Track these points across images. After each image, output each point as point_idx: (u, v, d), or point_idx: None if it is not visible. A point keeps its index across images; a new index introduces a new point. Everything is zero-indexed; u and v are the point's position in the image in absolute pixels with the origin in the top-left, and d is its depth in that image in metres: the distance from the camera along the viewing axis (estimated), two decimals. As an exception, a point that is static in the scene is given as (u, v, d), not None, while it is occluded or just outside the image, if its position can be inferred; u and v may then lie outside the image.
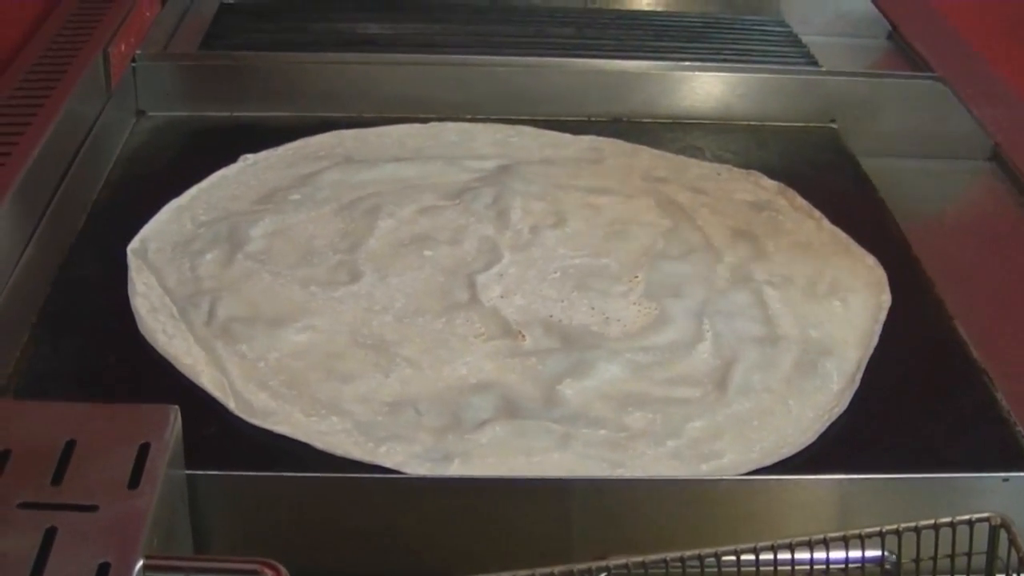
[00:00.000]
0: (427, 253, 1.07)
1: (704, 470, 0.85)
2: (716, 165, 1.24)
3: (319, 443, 0.86)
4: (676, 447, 0.87)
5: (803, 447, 0.88)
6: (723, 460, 0.86)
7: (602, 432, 0.88)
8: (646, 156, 1.25)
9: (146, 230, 1.08)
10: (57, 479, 0.67)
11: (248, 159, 1.20)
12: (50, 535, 0.64)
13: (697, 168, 1.23)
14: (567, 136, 1.28)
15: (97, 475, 0.67)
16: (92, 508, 0.66)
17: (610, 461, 0.86)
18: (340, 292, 1.02)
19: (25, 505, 0.66)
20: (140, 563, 0.63)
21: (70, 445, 0.69)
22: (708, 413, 0.90)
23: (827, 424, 0.90)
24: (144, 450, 0.69)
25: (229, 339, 0.95)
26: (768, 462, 0.86)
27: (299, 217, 1.12)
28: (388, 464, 0.84)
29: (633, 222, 1.13)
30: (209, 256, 1.05)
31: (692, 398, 0.92)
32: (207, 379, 0.91)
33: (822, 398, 0.92)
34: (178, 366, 0.93)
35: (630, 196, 1.17)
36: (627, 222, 1.13)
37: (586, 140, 1.28)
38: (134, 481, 0.67)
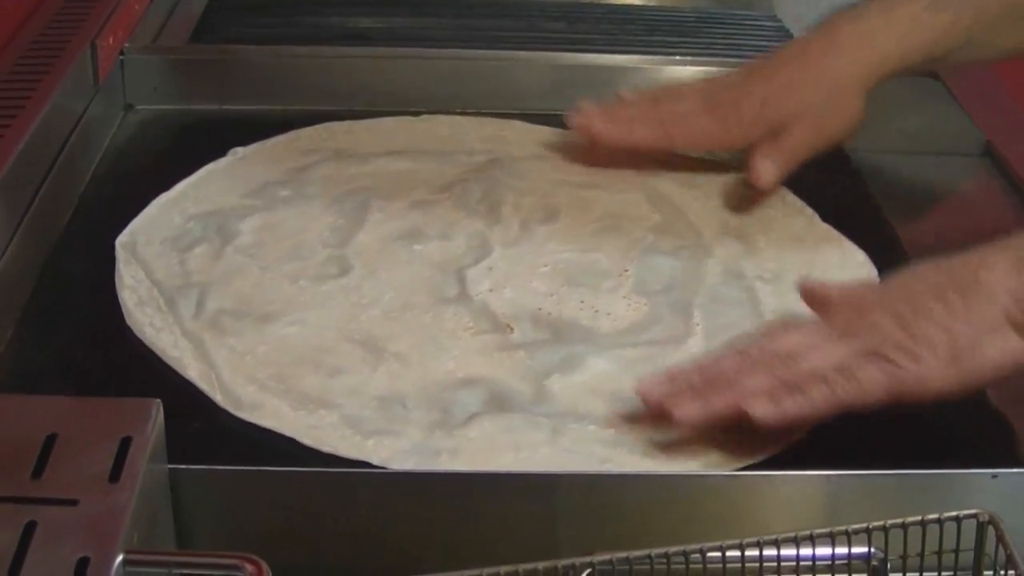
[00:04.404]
0: (417, 247, 1.06)
1: (692, 466, 0.85)
2: (705, 159, 1.23)
3: (306, 438, 0.85)
4: (664, 443, 0.86)
5: (791, 443, 0.87)
6: (711, 456, 0.86)
7: (591, 427, 0.88)
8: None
9: (135, 224, 1.08)
10: (37, 473, 0.67)
11: (238, 153, 1.20)
12: (30, 529, 0.63)
13: (688, 163, 1.23)
14: (558, 130, 1.27)
15: (78, 469, 0.67)
16: (72, 502, 0.65)
17: (598, 456, 0.85)
18: (329, 286, 1.01)
19: (4, 499, 0.65)
20: (120, 557, 0.63)
21: (51, 439, 0.69)
22: (697, 408, 0.90)
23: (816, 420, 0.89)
24: (125, 444, 0.69)
25: (217, 332, 0.95)
26: (756, 458, 0.86)
27: (289, 211, 1.11)
28: (375, 460, 0.84)
29: (623, 217, 1.13)
30: (198, 250, 1.05)
31: (681, 393, 0.91)
32: (194, 372, 0.91)
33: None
34: (165, 359, 0.92)
35: (621, 191, 1.17)
36: (617, 217, 1.12)
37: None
38: (115, 475, 0.67)
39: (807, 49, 1.15)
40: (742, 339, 0.91)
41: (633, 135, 1.18)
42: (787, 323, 0.90)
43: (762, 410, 0.83)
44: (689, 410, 0.84)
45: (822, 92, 1.13)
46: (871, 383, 0.83)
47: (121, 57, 1.28)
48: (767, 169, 1.13)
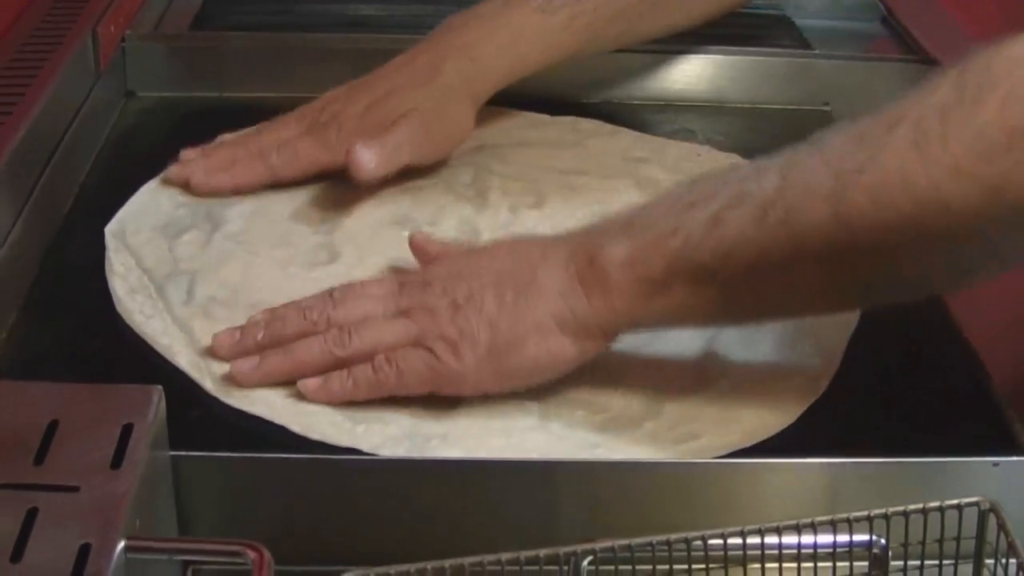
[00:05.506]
0: (405, 233, 1.06)
1: (681, 451, 0.85)
2: (695, 146, 1.23)
3: (296, 425, 0.85)
4: (654, 428, 0.87)
5: (782, 428, 0.87)
6: (701, 441, 0.86)
7: (579, 412, 0.88)
8: (626, 137, 1.25)
9: (124, 212, 1.08)
10: (39, 459, 0.67)
11: (226, 139, 1.19)
12: (31, 516, 0.63)
13: (676, 149, 1.23)
14: (546, 117, 1.27)
15: (79, 456, 0.67)
16: (74, 489, 0.65)
17: (588, 442, 0.85)
18: (318, 272, 1.01)
19: (6, 486, 0.65)
20: (122, 544, 0.63)
21: (53, 425, 0.69)
22: (687, 393, 0.90)
23: (807, 405, 0.89)
24: (127, 431, 0.69)
25: (207, 319, 0.95)
26: (746, 443, 0.86)
27: (278, 197, 1.11)
28: (365, 446, 0.84)
29: (612, 203, 1.11)
30: (187, 237, 1.05)
31: (671, 378, 0.91)
32: (184, 359, 0.91)
33: (803, 379, 0.92)
34: (155, 346, 0.92)
35: (609, 177, 1.17)
36: (606, 203, 1.11)
37: (566, 121, 1.27)
38: (116, 462, 0.67)
39: (414, 60, 1.14)
40: (319, 293, 0.93)
41: (235, 178, 1.11)
42: (364, 285, 0.93)
43: (311, 389, 0.87)
44: (245, 369, 0.88)
45: (428, 100, 1.11)
46: (411, 374, 0.86)
47: (122, 44, 1.28)
48: (366, 158, 1.05)
